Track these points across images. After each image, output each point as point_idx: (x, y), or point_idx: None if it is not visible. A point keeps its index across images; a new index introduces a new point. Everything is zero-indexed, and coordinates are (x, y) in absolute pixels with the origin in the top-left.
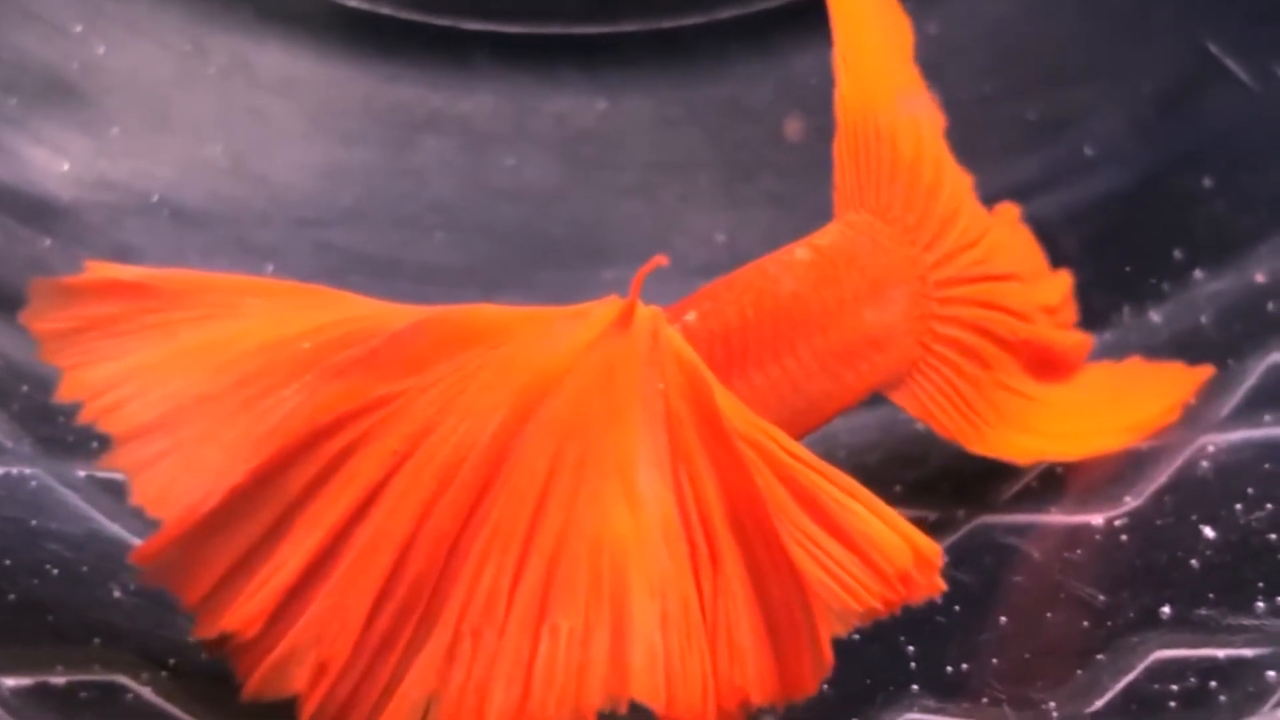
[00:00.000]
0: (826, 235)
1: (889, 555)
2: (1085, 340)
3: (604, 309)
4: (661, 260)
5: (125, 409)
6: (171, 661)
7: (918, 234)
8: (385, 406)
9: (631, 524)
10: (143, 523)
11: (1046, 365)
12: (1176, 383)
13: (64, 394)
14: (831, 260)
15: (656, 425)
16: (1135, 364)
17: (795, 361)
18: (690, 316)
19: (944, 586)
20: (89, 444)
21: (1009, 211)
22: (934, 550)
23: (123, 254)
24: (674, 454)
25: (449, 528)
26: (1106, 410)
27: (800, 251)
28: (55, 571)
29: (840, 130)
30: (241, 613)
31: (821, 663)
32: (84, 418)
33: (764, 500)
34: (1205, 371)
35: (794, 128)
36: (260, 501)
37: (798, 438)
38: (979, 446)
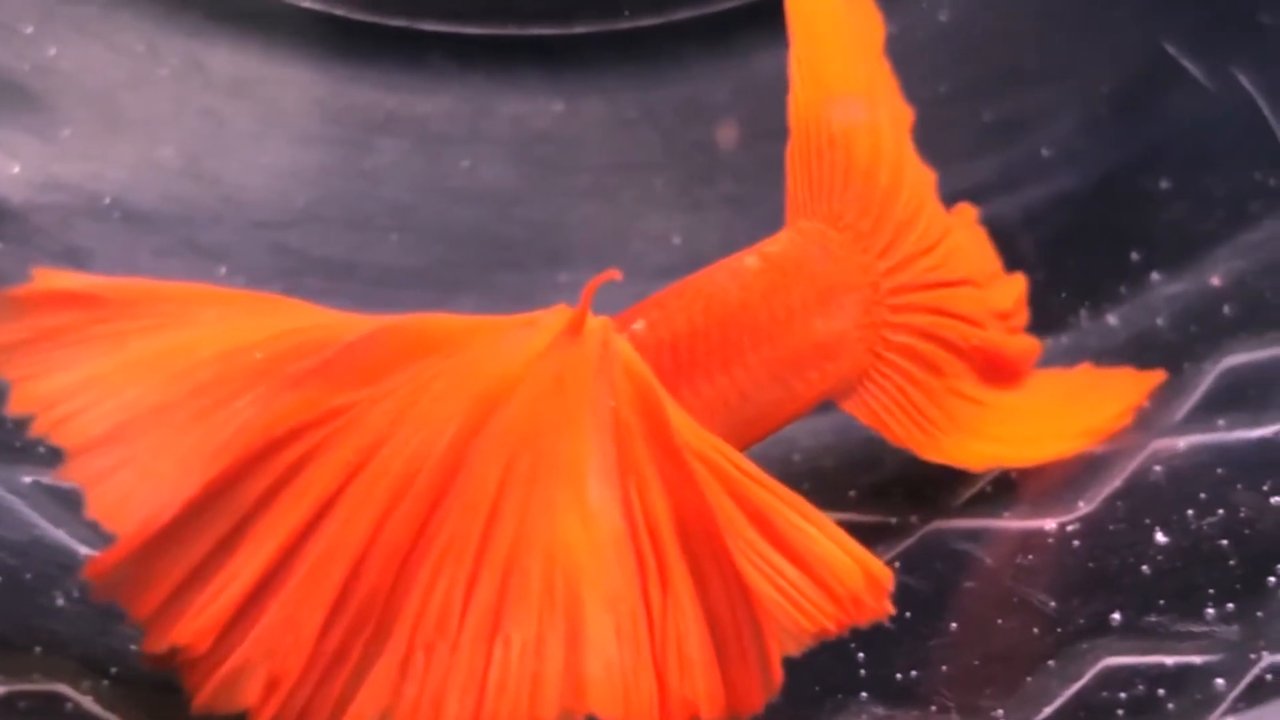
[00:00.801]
0: (777, 243)
1: (840, 576)
2: (1034, 345)
3: (553, 318)
4: (614, 274)
5: (78, 421)
6: (114, 670)
7: (871, 240)
8: (339, 417)
9: (584, 535)
10: (89, 530)
11: (997, 371)
12: (1128, 387)
13: (14, 406)
14: (781, 268)
15: (605, 436)
16: (1086, 369)
17: (744, 370)
18: (639, 325)
19: (892, 610)
20: (35, 450)
21: (966, 213)
22: (885, 573)
23: (74, 256)
24: (622, 466)
25: (402, 540)
26: (1059, 415)
27: (750, 260)
28: None
29: (793, 135)
30: (192, 626)
31: (770, 681)
32: (36, 430)
33: (714, 516)
34: (1156, 376)
35: (726, 133)
36: (213, 514)
37: (748, 446)
38: (931, 453)
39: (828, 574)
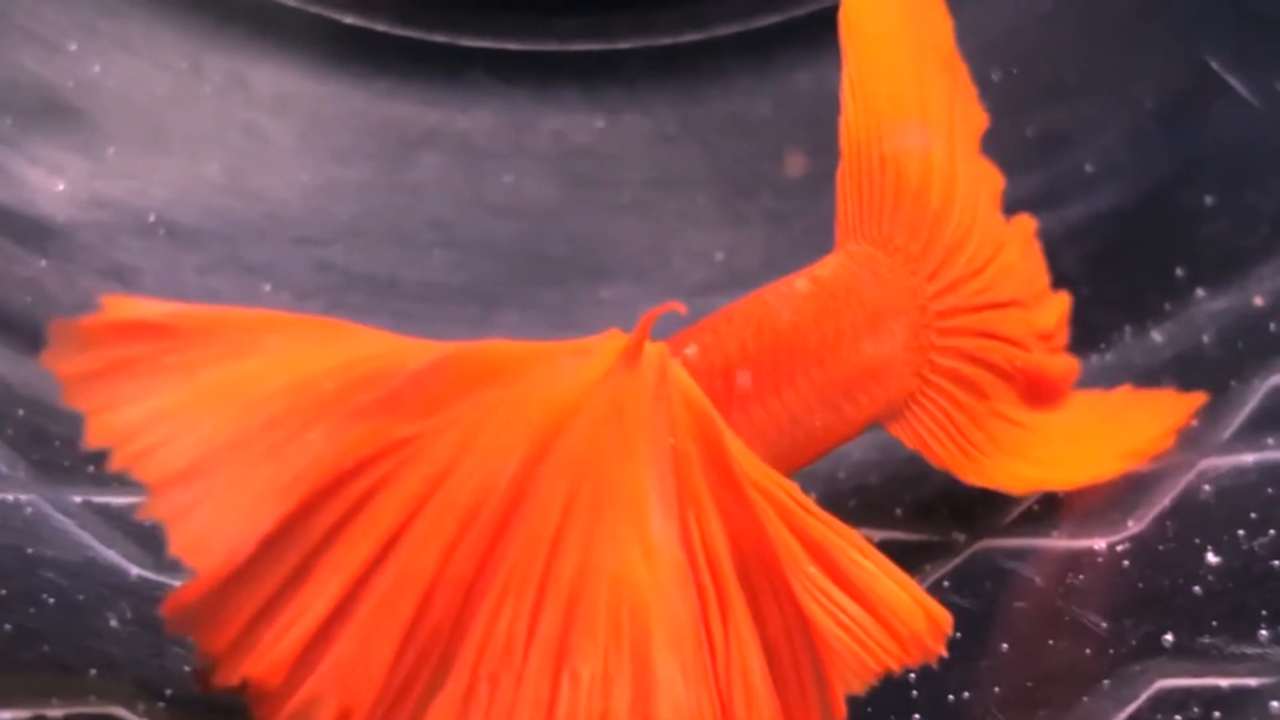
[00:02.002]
0: (826, 266)
1: (902, 616)
2: (1074, 365)
3: (609, 344)
4: (676, 306)
5: (157, 455)
6: (168, 692)
7: (920, 264)
8: (405, 448)
9: (648, 570)
10: (139, 548)
11: (1038, 392)
12: (1169, 409)
13: (93, 439)
14: (831, 292)
15: (664, 466)
16: (1126, 391)
17: (794, 394)
18: (691, 350)
19: (945, 653)
20: (84, 468)
21: (1024, 225)
22: (944, 616)
23: (119, 274)
24: (681, 496)
25: (468, 570)
26: (1100, 437)
27: (800, 283)
28: (51, 600)
29: (844, 158)
30: (265, 659)
31: (832, 717)
32: (116, 464)
33: (774, 548)
34: (1197, 398)
35: (796, 162)
36: (285, 548)
37: (798, 469)
38: (974, 477)
39: (889, 613)
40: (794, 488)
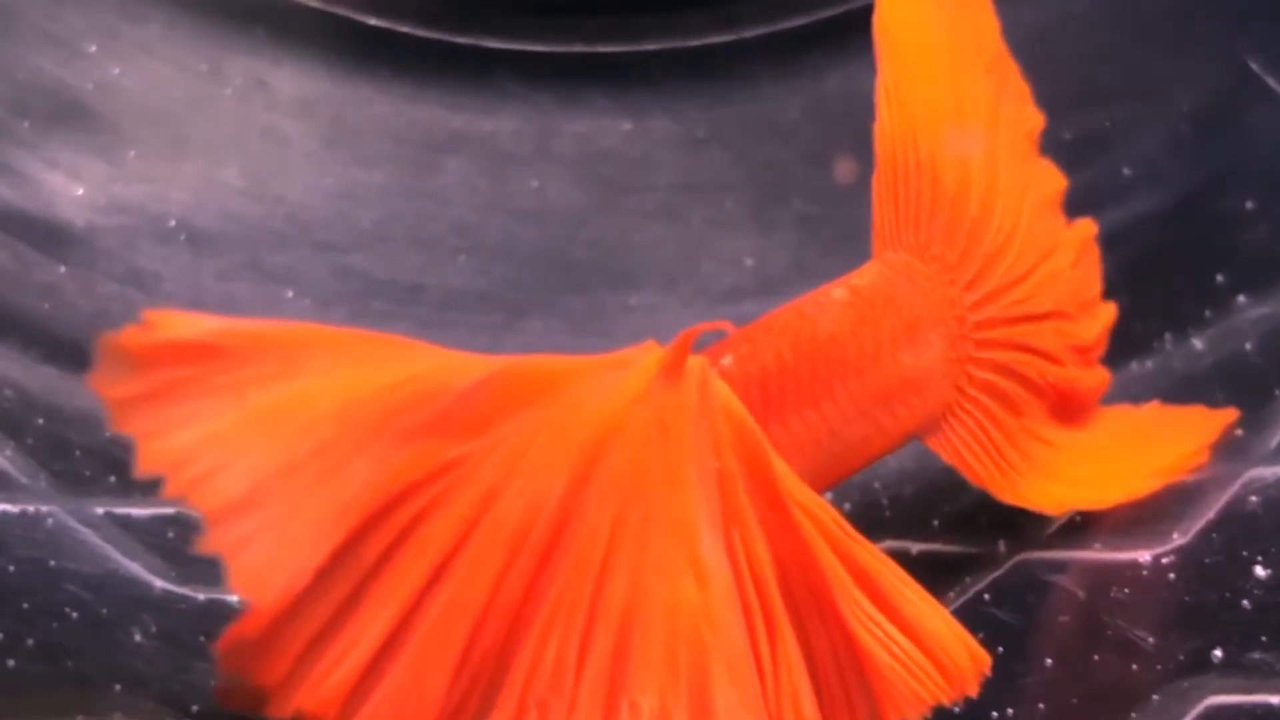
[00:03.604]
0: (864, 275)
1: (947, 650)
2: (1104, 379)
3: (647, 357)
4: (724, 325)
5: (211, 484)
6: (194, 708)
7: (958, 273)
8: (452, 471)
9: (700, 596)
10: (162, 560)
11: (1068, 408)
12: (1200, 425)
13: (143, 466)
14: (869, 301)
15: (710, 484)
16: (1156, 407)
17: (833, 405)
18: (727, 360)
19: (976, 692)
20: (106, 479)
21: (1083, 229)
22: (983, 655)
23: (139, 279)
24: (725, 516)
25: (516, 596)
26: (1130, 456)
27: (837, 292)
28: (74, 615)
29: (879, 165)
30: (319, 693)
31: None
32: (170, 493)
33: (822, 572)
34: (1229, 414)
35: (845, 170)
36: (337, 578)
37: (836, 483)
38: (1009, 495)
39: (935, 645)
40: (837, 513)
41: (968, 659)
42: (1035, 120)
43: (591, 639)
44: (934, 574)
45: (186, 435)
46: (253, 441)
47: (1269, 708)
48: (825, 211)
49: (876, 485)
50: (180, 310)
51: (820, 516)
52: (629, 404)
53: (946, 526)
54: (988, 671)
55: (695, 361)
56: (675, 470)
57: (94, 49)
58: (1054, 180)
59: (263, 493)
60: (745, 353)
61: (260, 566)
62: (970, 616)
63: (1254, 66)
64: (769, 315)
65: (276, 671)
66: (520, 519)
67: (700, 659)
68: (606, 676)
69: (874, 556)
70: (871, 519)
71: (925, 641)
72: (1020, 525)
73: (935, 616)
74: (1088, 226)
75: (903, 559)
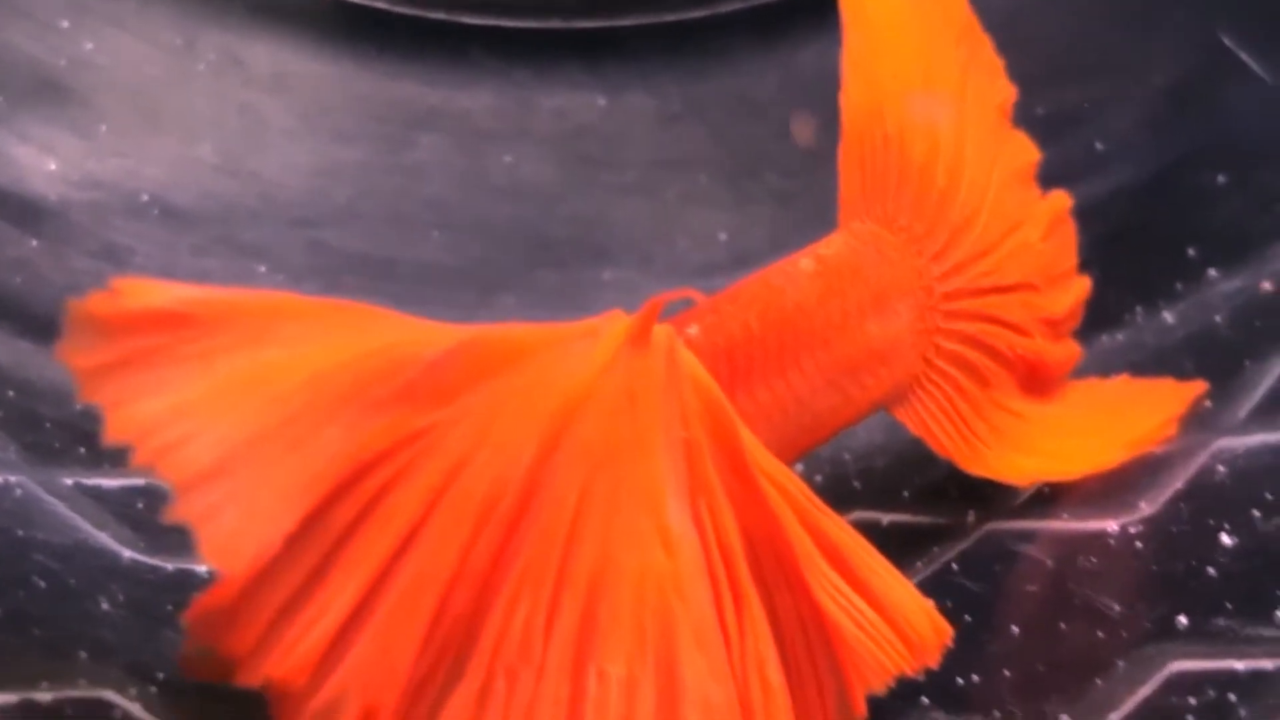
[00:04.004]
0: (831, 245)
1: (911, 621)
2: (1074, 353)
3: (614, 326)
4: (691, 293)
5: (181, 453)
6: (160, 676)
7: (925, 243)
8: (421, 440)
9: (669, 565)
10: (131, 531)
11: (1036, 380)
12: (1168, 398)
13: (111, 434)
14: (836, 271)
15: (677, 454)
16: (1125, 380)
17: (800, 376)
18: (693, 330)
19: (937, 663)
20: (75, 450)
21: (1057, 202)
22: (946, 628)
23: (112, 254)
24: (692, 485)
25: (484, 564)
26: (1099, 428)
27: (804, 262)
28: (42, 584)
29: (845, 135)
30: (288, 660)
31: (851, 713)
32: (138, 461)
33: (789, 542)
34: (1197, 387)
35: (803, 130)
36: (306, 546)
37: (803, 454)
38: (976, 466)
39: (899, 616)
40: (804, 485)
41: (931, 630)
42: (1006, 92)
43: (559, 607)
44: (903, 544)
45: (155, 404)
46: (222, 411)
47: (1233, 673)
48: (800, 186)
49: (847, 458)
50: (149, 278)
51: (787, 487)
52: (597, 373)
53: (916, 498)
54: (950, 642)
55: (662, 330)
56: (643, 439)
57: (66, 24)
58: (1026, 153)
59: (232, 462)
60: (712, 323)
61: (229, 535)
62: (938, 586)
63: (1227, 42)
64: (736, 285)
65: (246, 640)
66: (488, 488)
67: (668, 627)
68: (574, 644)
69: (840, 528)
70: (842, 491)
71: (890, 612)
72: (990, 496)
73: (899, 587)
74: (1061, 199)
75: (873, 529)
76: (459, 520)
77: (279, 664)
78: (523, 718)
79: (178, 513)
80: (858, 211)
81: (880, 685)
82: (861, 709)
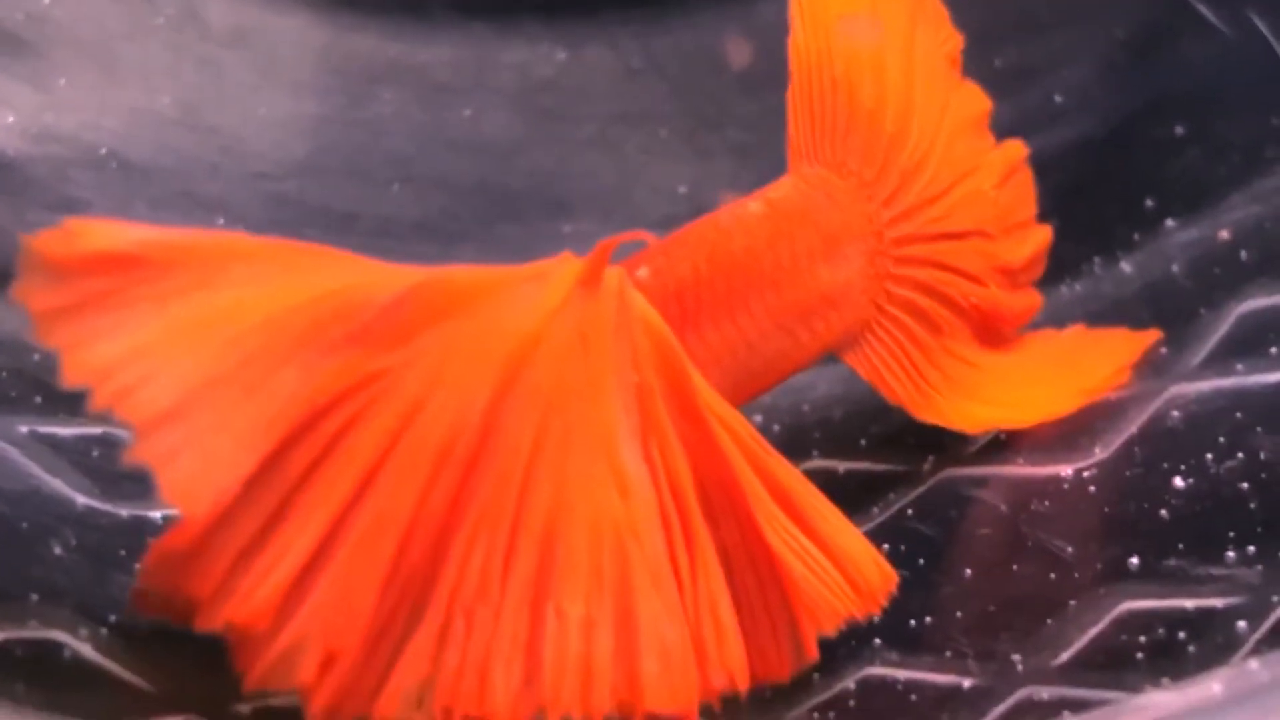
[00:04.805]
0: (779, 189)
1: (859, 566)
2: (1034, 303)
3: (564, 268)
4: (642, 235)
5: (139, 395)
6: (111, 618)
7: (875, 189)
8: (377, 382)
9: (623, 507)
10: (86, 478)
11: (992, 330)
12: (1123, 347)
13: (69, 377)
14: (785, 215)
15: (629, 396)
16: (1080, 330)
17: (749, 319)
18: (642, 272)
19: (880, 609)
20: (32, 399)
21: (1011, 151)
22: (892, 574)
23: (70, 207)
24: (644, 427)
25: (441, 508)
26: (1053, 376)
27: (753, 205)
28: None
29: (794, 78)
30: (248, 605)
31: (804, 655)
32: (98, 403)
33: (740, 484)
34: (1151, 335)
35: (738, 51)
36: (265, 489)
37: (754, 396)
38: (927, 414)
39: (848, 560)
40: (753, 429)
41: (878, 575)
42: (954, 41)
43: (516, 549)
44: (860, 491)
45: (112, 346)
46: (179, 353)
47: (1183, 611)
48: (760, 140)
49: (805, 409)
50: (102, 219)
51: (737, 430)
52: (548, 315)
53: (873, 446)
54: (895, 589)
55: (613, 272)
56: (596, 382)
57: None
58: (977, 101)
59: (191, 404)
60: (661, 265)
61: (190, 477)
62: (893, 531)
63: None
64: (685, 228)
65: (206, 583)
66: (444, 432)
67: (624, 568)
68: (532, 585)
69: (789, 472)
70: (800, 440)
71: (838, 556)
72: (946, 444)
73: (847, 532)
74: (1015, 148)
75: (830, 477)
76: (415, 464)
77: (239, 608)
78: (481, 656)
79: (137, 454)
80: (807, 155)
81: (830, 628)
82: (813, 650)
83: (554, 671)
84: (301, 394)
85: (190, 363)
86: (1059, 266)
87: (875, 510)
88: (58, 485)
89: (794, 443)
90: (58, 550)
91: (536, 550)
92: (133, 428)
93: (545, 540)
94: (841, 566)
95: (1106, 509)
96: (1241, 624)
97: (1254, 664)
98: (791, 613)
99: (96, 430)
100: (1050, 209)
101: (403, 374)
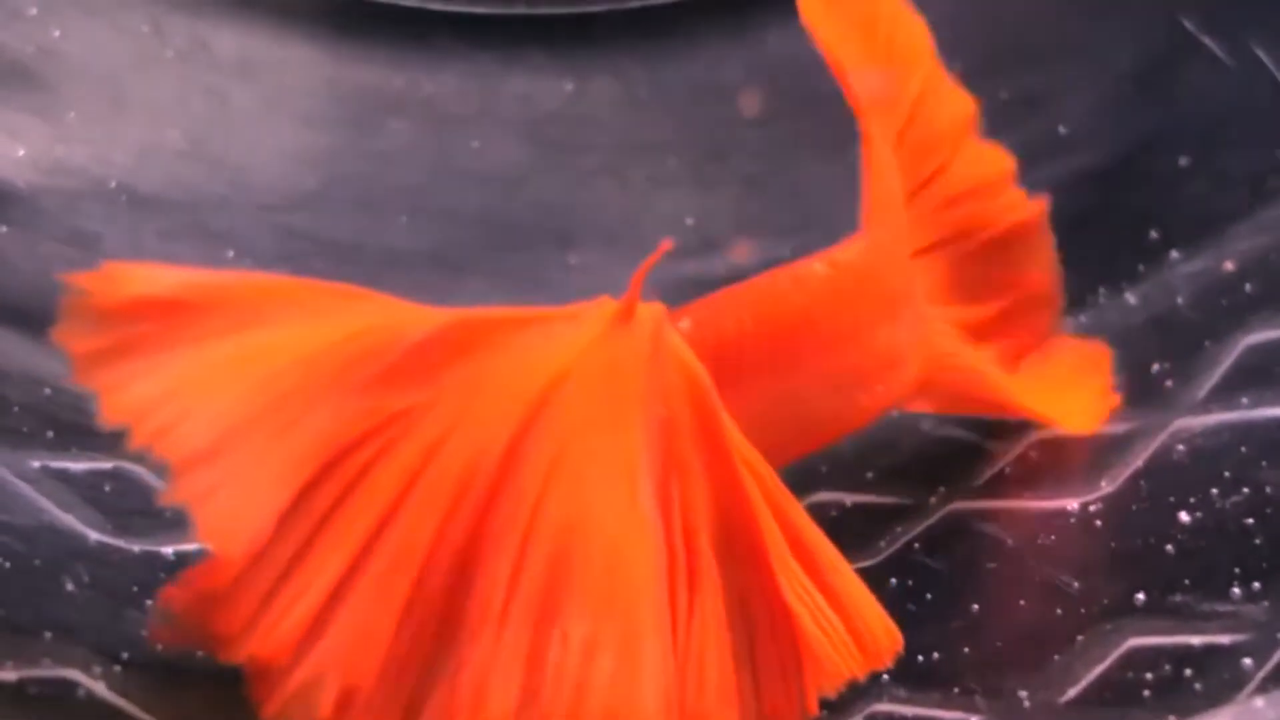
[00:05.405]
0: (848, 251)
1: (870, 627)
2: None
3: (601, 309)
4: (665, 246)
5: (176, 433)
6: (125, 656)
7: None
8: (401, 421)
9: (640, 545)
10: (99, 513)
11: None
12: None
13: (108, 418)
14: (850, 277)
15: (652, 430)
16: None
17: (799, 379)
18: (684, 324)
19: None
20: (44, 434)
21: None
22: (898, 638)
23: (81, 240)
24: (667, 461)
25: (460, 540)
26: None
27: (817, 266)
28: (7, 565)
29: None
30: (274, 638)
31: (806, 711)
32: (136, 442)
33: (762, 531)
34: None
35: (749, 102)
36: (291, 526)
37: (802, 456)
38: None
39: (858, 620)
40: (777, 477)
41: (886, 637)
42: (969, 107)
43: (524, 569)
44: (867, 524)
45: (149, 387)
46: (214, 392)
47: (1189, 648)
48: (766, 170)
49: None
50: (141, 264)
51: (763, 476)
52: (581, 352)
53: (880, 479)
54: (899, 649)
55: (648, 308)
56: (622, 412)
57: (34, 11)
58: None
59: (226, 443)
60: (704, 318)
61: (226, 516)
62: (900, 565)
63: (1188, 25)
64: (738, 285)
65: (235, 619)
66: (465, 464)
67: (633, 606)
68: (538, 602)
69: (807, 523)
70: (807, 472)
71: (848, 612)
72: (953, 477)
73: (857, 588)
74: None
75: (837, 510)
76: (435, 497)
77: (262, 643)
78: (484, 666)
79: (175, 494)
80: (878, 219)
81: (832, 688)
82: (815, 708)
83: (553, 691)
84: (331, 433)
85: (224, 402)
86: (1065, 297)
87: (882, 544)
88: (70, 521)
89: (801, 475)
90: (70, 587)
91: (544, 571)
92: (169, 467)
93: (554, 562)
94: (850, 625)
95: (1113, 544)
96: (1247, 661)
97: (1260, 701)
98: (800, 666)
99: (108, 465)
100: (1056, 239)
101: (428, 411)
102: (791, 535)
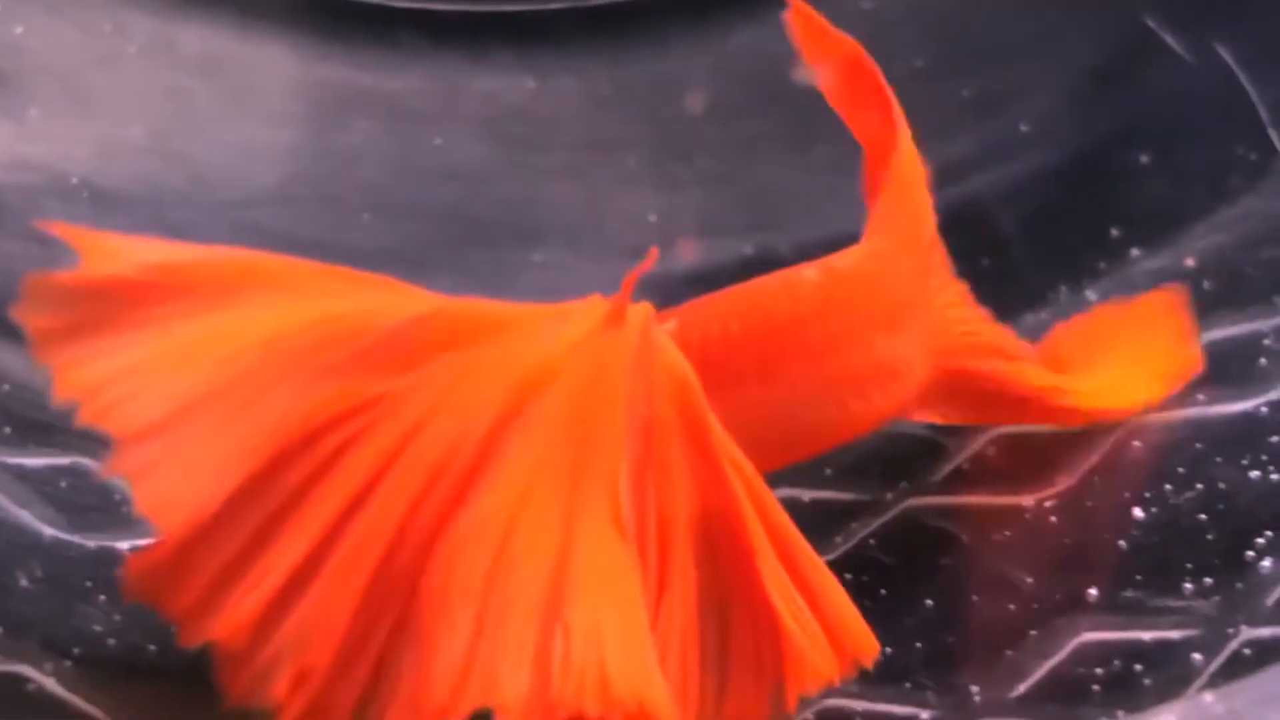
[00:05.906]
0: (845, 258)
1: (848, 630)
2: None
3: (590, 308)
4: (652, 254)
5: (124, 410)
6: (76, 651)
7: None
8: (376, 406)
9: (622, 543)
10: (55, 510)
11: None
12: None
13: (59, 394)
14: (845, 284)
15: (636, 430)
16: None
17: (787, 386)
18: (669, 325)
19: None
20: (1, 430)
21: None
22: (874, 644)
23: (41, 237)
24: (647, 460)
25: (432, 526)
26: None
27: (809, 272)
28: None
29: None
30: (228, 622)
31: (782, 710)
32: (83, 419)
33: (748, 532)
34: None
35: (694, 101)
36: (251, 507)
37: (794, 463)
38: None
39: (837, 623)
40: (761, 479)
41: (864, 642)
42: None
43: (514, 562)
44: (823, 521)
45: (106, 365)
46: (173, 370)
47: (1140, 643)
48: (729, 169)
49: None
50: (121, 235)
51: (750, 478)
52: (569, 350)
53: (839, 475)
54: (874, 657)
55: (639, 309)
56: (607, 415)
57: None
58: None
59: (176, 419)
60: (689, 321)
61: (166, 491)
62: (856, 561)
63: (1150, 23)
64: (728, 289)
65: (184, 600)
66: (441, 452)
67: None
68: (538, 598)
69: (789, 526)
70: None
71: (827, 616)
72: (911, 474)
73: (838, 593)
74: None
75: (795, 506)
76: (407, 481)
77: (218, 625)
78: (490, 655)
79: (114, 467)
80: (888, 225)
81: (812, 689)
82: (793, 707)
83: (562, 681)
84: (294, 414)
85: (182, 380)
86: (1025, 295)
87: (838, 540)
88: (25, 516)
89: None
90: (24, 582)
91: (541, 565)
92: (114, 441)
93: (550, 561)
94: (828, 626)
95: (1067, 539)
96: (1197, 656)
97: (1208, 697)
98: (780, 666)
99: (65, 461)
100: (1017, 237)
101: (406, 397)
102: (776, 537)
